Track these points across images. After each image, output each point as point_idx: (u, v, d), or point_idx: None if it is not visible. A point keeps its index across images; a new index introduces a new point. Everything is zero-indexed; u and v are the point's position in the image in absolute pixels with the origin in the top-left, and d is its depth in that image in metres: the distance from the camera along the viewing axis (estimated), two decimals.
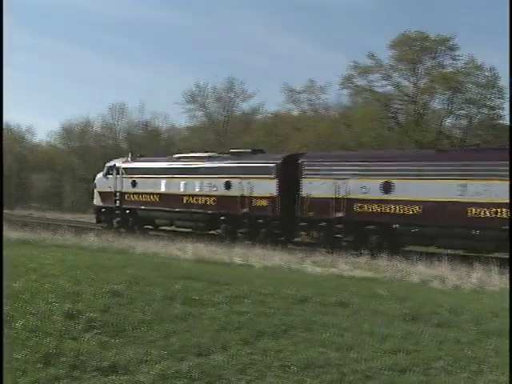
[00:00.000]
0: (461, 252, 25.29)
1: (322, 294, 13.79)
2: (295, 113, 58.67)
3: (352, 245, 27.45)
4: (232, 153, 35.19)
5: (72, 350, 8.27)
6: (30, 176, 79.76)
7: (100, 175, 41.65)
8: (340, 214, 27.96)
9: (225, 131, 63.84)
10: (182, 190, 35.34)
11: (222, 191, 33.09)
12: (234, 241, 30.17)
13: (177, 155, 38.41)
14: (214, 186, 33.43)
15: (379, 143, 43.54)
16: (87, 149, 74.95)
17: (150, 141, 73.41)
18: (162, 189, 36.65)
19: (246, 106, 67.16)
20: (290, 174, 30.18)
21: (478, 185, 24.04)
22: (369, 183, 27.23)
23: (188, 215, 35.12)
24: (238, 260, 22.01)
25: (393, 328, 10.65)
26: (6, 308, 10.21)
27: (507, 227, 22.46)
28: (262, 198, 31.19)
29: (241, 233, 32.53)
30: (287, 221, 30.41)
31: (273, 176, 30.81)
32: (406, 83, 48.21)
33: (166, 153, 48.24)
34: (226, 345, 9.12)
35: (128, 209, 38.90)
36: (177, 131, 78.60)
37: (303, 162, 29.93)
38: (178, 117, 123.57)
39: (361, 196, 27.40)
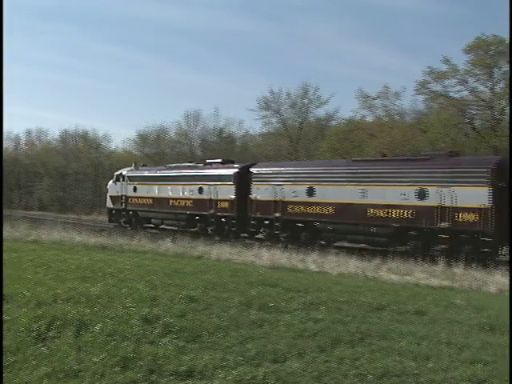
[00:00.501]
0: None
1: (398, 302, 13.63)
2: (370, 119, 58.14)
3: (287, 240, 33.41)
4: (206, 163, 42.88)
5: (149, 354, 8.34)
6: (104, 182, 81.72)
7: (111, 182, 49.70)
8: (278, 214, 34.21)
9: (299, 137, 63.65)
10: (169, 194, 42.81)
11: (196, 195, 40.12)
12: (207, 237, 36.76)
13: (168, 165, 47.30)
14: (191, 191, 40.56)
15: (455, 149, 42.87)
16: (162, 155, 75.78)
17: (224, 147, 73.83)
18: (155, 193, 44.25)
19: (320, 112, 66.94)
20: (244, 180, 36.73)
21: (375, 189, 29.42)
22: (298, 188, 33.41)
23: (173, 215, 42.47)
24: (313, 267, 21.90)
25: (470, 338, 10.43)
26: (85, 311, 10.44)
27: (398, 224, 28.17)
28: (224, 200, 37.94)
29: (211, 230, 38.75)
30: (242, 219, 36.79)
31: (231, 183, 37.60)
32: (482, 88, 47.20)
33: (239, 159, 51.22)
34: (302, 352, 9.05)
35: (131, 210, 46.60)
36: (251, 138, 78.87)
37: (253, 170, 36.55)
38: (252, 123, 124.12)
39: (292, 199, 33.59)
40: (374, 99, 55.56)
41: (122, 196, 47.37)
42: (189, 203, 40.92)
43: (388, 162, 31.11)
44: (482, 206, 25.24)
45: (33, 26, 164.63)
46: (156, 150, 79.27)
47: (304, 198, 32.80)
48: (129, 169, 48.92)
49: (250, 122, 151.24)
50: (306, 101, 63.85)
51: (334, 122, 65.06)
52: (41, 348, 8.53)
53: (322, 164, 36.78)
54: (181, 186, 41.69)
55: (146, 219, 45.57)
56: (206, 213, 39.14)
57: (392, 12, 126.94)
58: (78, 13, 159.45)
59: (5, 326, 9.43)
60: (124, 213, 47.22)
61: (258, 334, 9.90)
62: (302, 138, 63.83)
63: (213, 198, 38.67)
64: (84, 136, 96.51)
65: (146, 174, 46.65)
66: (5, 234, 29.82)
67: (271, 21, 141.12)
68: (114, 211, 48.57)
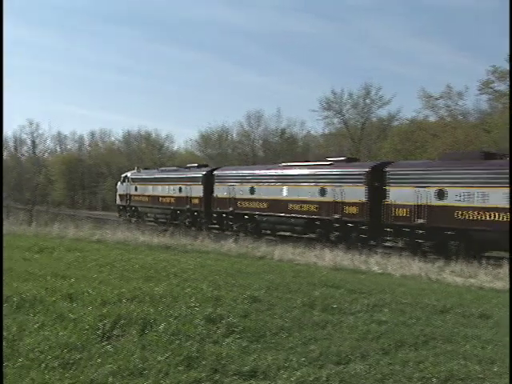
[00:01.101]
0: None
1: (462, 305, 13.43)
2: (433, 119, 57.46)
3: (239, 229, 39.48)
4: (186, 166, 51.84)
5: (213, 354, 8.34)
6: None
7: (119, 183, 59.53)
8: (231, 209, 41.65)
9: (361, 138, 63.29)
10: (159, 193, 51.12)
11: (177, 193, 48.10)
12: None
13: (160, 168, 57.13)
14: (174, 190, 48.65)
15: None
16: (225, 156, 76.16)
17: (286, 148, 73.81)
18: (150, 192, 52.90)
19: (382, 113, 66.30)
20: (209, 181, 44.54)
21: (293, 188, 36.63)
22: (244, 188, 40.84)
23: (162, 210, 51.01)
24: (375, 268, 21.74)
25: None
26: (150, 311, 10.53)
27: (308, 216, 35.13)
28: (196, 198, 45.86)
29: (188, 222, 46.02)
30: (208, 213, 44.54)
31: (200, 183, 45.44)
32: None
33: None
34: (366, 354, 8.95)
35: (133, 206, 55.89)
36: (313, 138, 78.69)
37: (215, 173, 44.52)
38: (314, 124, 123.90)
39: (240, 196, 40.97)
40: (436, 99, 55.00)
41: (126, 194, 56.82)
42: (172, 200, 49.10)
43: (303, 167, 37.70)
44: (361, 201, 31.83)
45: (97, 29, 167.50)
46: (218, 150, 79.70)
47: (248, 195, 40.35)
48: (132, 171, 58.53)
49: (312, 123, 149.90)
50: (368, 101, 63.57)
51: (396, 123, 64.53)
52: (106, 346, 8.60)
53: (260, 168, 44.14)
54: (167, 186, 50.04)
55: (144, 214, 54.34)
56: (184, 208, 47.05)
57: (455, 10, 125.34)
58: (142, 16, 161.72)
59: (71, 324, 9.57)
60: (128, 208, 56.58)
61: (322, 336, 9.84)
62: (363, 138, 63.48)
63: (188, 195, 46.69)
64: (147, 137, 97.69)
65: (144, 176, 55.72)
66: (69, 233, 30.37)
67: (333, 21, 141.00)
68: (121, 207, 58.52)
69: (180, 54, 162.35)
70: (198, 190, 45.62)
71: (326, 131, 70.05)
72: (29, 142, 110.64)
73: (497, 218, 25.71)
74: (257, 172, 41.50)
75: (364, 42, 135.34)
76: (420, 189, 28.96)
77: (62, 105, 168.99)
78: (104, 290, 12.35)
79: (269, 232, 39.68)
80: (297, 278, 16.12)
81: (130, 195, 56.20)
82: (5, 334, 8.83)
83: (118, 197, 59.85)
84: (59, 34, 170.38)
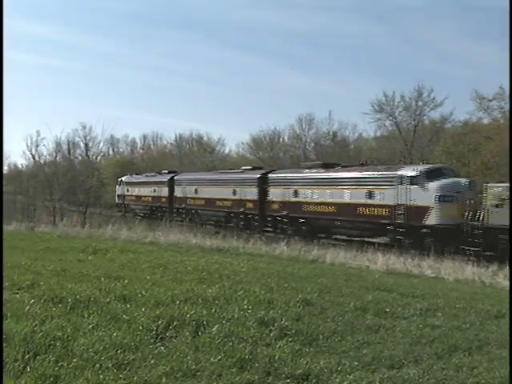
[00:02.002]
0: None
1: None
2: (486, 121, 56.51)
3: (189, 221, 50.06)
4: (158, 172, 65.66)
5: (266, 357, 8.36)
6: None
7: (117, 185, 73.77)
8: (183, 205, 54.47)
9: (413, 141, 62.58)
10: (141, 193, 65.06)
11: (152, 193, 61.83)
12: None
13: (145, 174, 69.49)
14: (150, 191, 61.95)
15: None
16: (276, 159, 76.16)
17: (337, 151, 73.47)
18: (136, 192, 67.15)
19: (435, 115, 65.36)
20: (172, 184, 58.01)
21: (219, 189, 48.85)
22: (191, 189, 53.80)
23: (143, 207, 64.96)
24: (428, 272, 21.53)
25: None
26: (203, 313, 10.58)
27: (226, 210, 47.04)
28: (163, 197, 59.20)
29: (159, 216, 57.00)
30: (171, 209, 57.31)
31: (166, 186, 58.93)
32: None
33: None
34: (419, 358, 8.89)
35: (126, 204, 69.90)
36: (365, 141, 78.16)
37: (174, 178, 57.92)
38: (366, 126, 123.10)
39: (189, 195, 53.77)
40: (489, 101, 54.00)
41: (122, 195, 71.69)
42: (150, 199, 63.12)
43: (226, 173, 51.44)
44: (254, 199, 43.77)
45: (147, 33, 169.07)
46: (269, 153, 79.68)
47: (193, 195, 53.26)
48: (127, 176, 73.42)
49: (363, 126, 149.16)
50: (420, 103, 62.75)
51: (448, 125, 63.56)
52: (159, 347, 8.68)
53: (201, 174, 58.60)
54: (147, 188, 63.44)
55: (134, 210, 67.43)
56: (157, 205, 60.68)
57: (506, 10, 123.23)
58: (193, 20, 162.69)
59: (125, 325, 9.68)
60: (123, 206, 70.81)
61: (374, 340, 9.77)
62: (416, 141, 62.75)
63: (158, 195, 60.24)
64: (199, 140, 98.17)
65: (133, 180, 70.22)
66: (122, 235, 30.70)
67: (383, 22, 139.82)
68: (118, 205, 73.06)
69: (231, 57, 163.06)
70: (164, 191, 59.31)
71: (378, 134, 69.64)
72: (82, 145, 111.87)
73: (326, 210, 36.67)
74: (199, 177, 55.53)
75: (415, 43, 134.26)
76: (284, 190, 40.72)
77: (115, 108, 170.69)
78: (157, 292, 12.47)
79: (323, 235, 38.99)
80: (349, 281, 16.06)
81: (124, 195, 70.96)
82: (59, 334, 8.96)
83: (116, 197, 74.54)
84: (111, 38, 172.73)
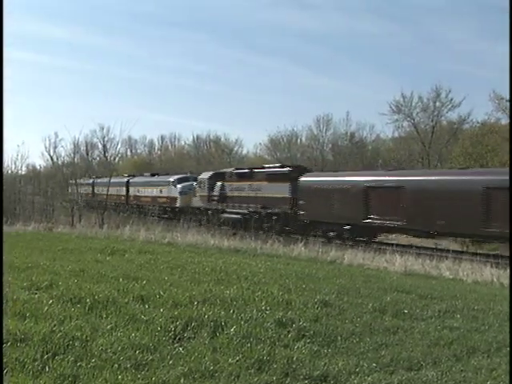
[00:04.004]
0: None
1: None
2: (504, 122, 56.22)
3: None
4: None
5: (284, 358, 8.35)
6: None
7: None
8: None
9: (431, 142, 62.40)
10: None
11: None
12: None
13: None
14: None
15: None
16: (294, 160, 76.20)
17: (355, 152, 73.37)
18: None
19: (453, 116, 65.18)
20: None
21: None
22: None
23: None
24: (447, 274, 21.42)
25: None
26: (221, 313, 10.58)
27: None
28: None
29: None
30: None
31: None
32: None
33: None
34: (438, 360, 8.83)
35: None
36: (382, 142, 78.02)
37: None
38: (383, 127, 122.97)
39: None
40: (508, 101, 53.78)
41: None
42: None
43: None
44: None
45: (165, 34, 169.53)
46: (287, 154, 79.66)
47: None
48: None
49: (381, 127, 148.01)
50: (438, 104, 62.62)
51: (466, 126, 63.34)
52: (177, 348, 8.70)
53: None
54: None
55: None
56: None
57: None
58: (210, 22, 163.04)
59: (143, 326, 9.71)
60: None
61: (393, 341, 9.73)
62: (434, 142, 62.56)
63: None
64: (216, 141, 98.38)
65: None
66: (140, 236, 30.78)
67: (400, 22, 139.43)
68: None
69: (246, 58, 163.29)
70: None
71: (396, 135, 69.53)
72: (100, 146, 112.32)
73: (144, 200, 63.28)
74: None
75: (432, 44, 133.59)
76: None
77: (133, 109, 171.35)
78: (175, 292, 12.47)
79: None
80: (367, 282, 15.99)
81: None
82: (78, 334, 9.01)
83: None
84: (128, 39, 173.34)
